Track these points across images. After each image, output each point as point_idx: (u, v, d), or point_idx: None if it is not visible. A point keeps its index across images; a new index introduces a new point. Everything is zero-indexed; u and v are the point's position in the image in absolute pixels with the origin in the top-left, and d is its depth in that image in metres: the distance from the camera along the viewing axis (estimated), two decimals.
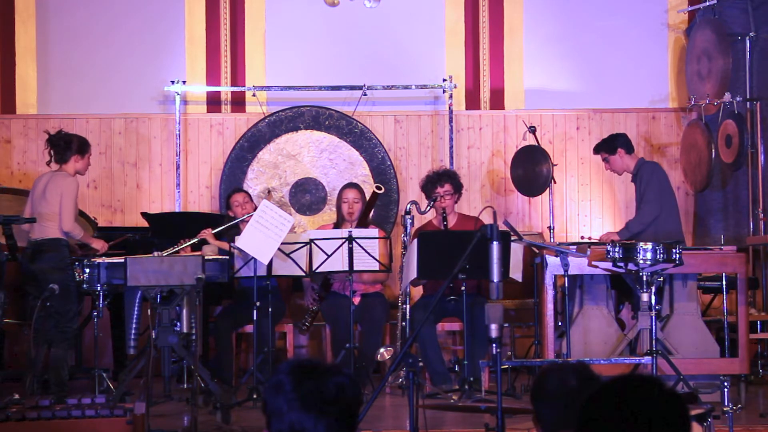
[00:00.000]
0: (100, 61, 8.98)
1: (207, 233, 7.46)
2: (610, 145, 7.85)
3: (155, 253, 6.76)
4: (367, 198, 7.73)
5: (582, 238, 8.36)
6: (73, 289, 6.91)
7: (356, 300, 7.43)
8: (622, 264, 6.32)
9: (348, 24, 9.00)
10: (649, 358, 6.23)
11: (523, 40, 9.09)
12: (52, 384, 6.85)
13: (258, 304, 6.87)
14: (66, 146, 7.15)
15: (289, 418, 2.38)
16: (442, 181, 7.57)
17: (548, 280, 6.79)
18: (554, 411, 3.02)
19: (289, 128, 8.85)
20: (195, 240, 7.41)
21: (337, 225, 7.80)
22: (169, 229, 7.63)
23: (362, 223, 7.64)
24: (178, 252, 7.26)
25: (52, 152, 7.19)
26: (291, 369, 2.41)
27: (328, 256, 7.07)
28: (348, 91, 8.84)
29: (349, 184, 7.97)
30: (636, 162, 7.81)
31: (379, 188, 7.66)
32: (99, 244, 7.25)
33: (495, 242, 4.54)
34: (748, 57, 8.48)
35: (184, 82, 8.80)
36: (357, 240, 7.07)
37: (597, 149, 7.97)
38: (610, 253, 6.30)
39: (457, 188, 7.63)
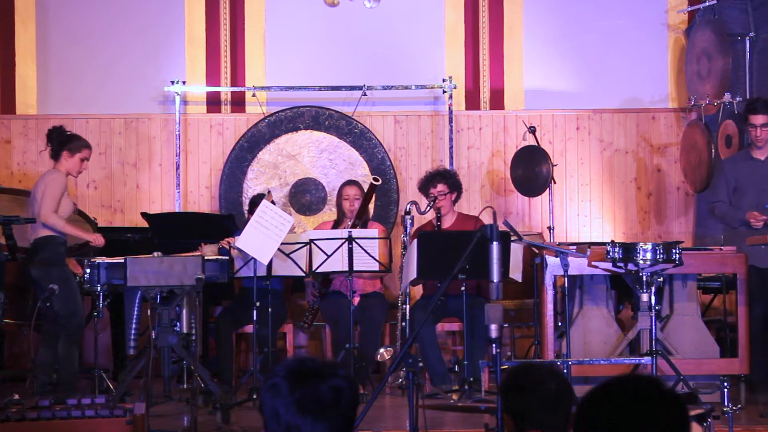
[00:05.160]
0: (100, 61, 8.98)
1: (226, 244, 7.31)
2: None
3: (155, 253, 6.75)
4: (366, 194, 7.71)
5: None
6: (74, 286, 6.84)
7: (355, 300, 7.43)
8: (621, 264, 6.32)
9: (348, 24, 8.99)
10: (649, 358, 6.22)
11: (523, 40, 9.08)
12: (60, 382, 6.82)
13: (258, 304, 6.87)
14: (58, 142, 6.99)
15: (285, 421, 2.38)
16: (435, 181, 7.54)
17: (548, 281, 6.78)
18: (542, 409, 3.02)
19: (288, 128, 8.85)
20: (216, 247, 7.28)
21: (338, 222, 7.79)
22: (169, 229, 7.61)
23: (360, 216, 7.62)
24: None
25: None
26: (287, 372, 2.41)
27: (328, 257, 7.07)
28: (348, 92, 8.83)
29: (349, 181, 7.97)
30: None
31: (376, 180, 7.65)
32: (92, 237, 7.06)
33: (495, 242, 4.54)
34: (748, 57, 8.47)
35: (183, 83, 8.80)
36: (357, 240, 7.07)
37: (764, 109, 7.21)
38: (610, 254, 6.30)
39: (453, 187, 7.57)
